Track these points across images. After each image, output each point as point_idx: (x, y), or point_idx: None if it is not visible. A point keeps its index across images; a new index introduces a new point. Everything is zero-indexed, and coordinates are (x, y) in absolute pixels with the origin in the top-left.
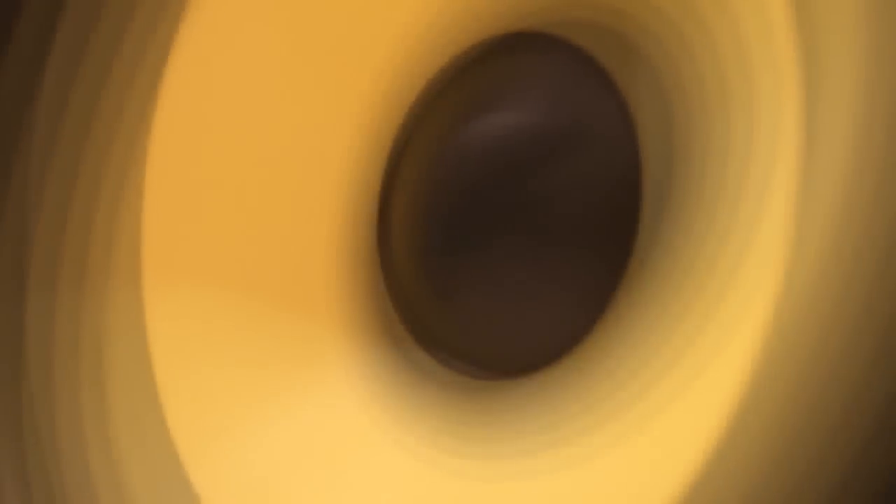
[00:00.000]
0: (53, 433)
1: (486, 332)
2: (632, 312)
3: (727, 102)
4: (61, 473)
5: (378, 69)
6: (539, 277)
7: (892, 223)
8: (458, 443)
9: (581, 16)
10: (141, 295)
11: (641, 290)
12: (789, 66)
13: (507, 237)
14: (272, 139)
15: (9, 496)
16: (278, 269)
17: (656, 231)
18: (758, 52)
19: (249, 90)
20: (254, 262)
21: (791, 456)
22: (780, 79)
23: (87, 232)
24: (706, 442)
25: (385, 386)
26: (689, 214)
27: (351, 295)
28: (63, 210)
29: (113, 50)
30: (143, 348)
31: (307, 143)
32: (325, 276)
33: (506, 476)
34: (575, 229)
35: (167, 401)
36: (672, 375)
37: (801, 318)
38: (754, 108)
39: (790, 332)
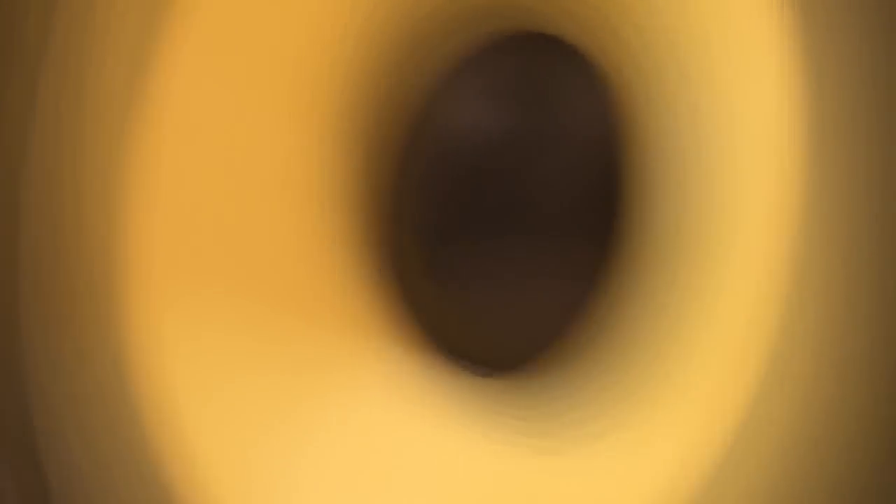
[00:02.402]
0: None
1: (485, 329)
2: (623, 302)
3: (702, 93)
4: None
5: (373, 69)
6: (538, 273)
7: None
8: (473, 435)
9: (572, 16)
10: (148, 312)
11: (633, 279)
12: (772, 65)
13: (505, 232)
14: (269, 142)
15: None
16: (281, 273)
17: (646, 217)
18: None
19: (243, 96)
20: (258, 268)
21: (813, 419)
22: (760, 79)
23: (91, 253)
24: (722, 419)
25: (396, 381)
26: (675, 201)
27: (353, 294)
28: (59, 229)
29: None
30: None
31: (302, 146)
32: (328, 277)
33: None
34: (569, 221)
35: (189, 421)
36: (674, 359)
37: (800, 296)
38: (733, 100)
39: (792, 313)
